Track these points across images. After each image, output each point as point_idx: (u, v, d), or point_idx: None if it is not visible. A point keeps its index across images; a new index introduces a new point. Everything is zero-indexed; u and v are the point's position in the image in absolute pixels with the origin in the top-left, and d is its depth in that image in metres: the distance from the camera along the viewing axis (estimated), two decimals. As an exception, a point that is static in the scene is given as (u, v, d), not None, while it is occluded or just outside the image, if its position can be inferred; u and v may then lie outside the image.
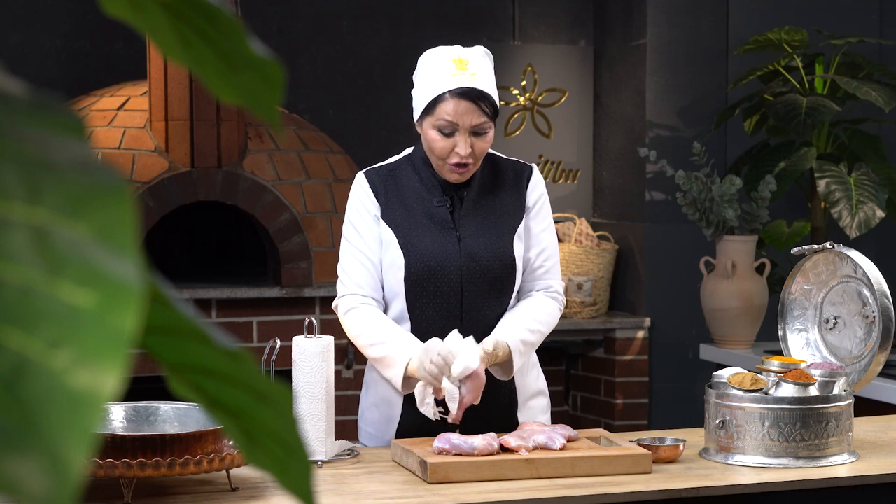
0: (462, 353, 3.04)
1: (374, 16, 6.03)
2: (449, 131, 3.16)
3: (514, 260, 3.24)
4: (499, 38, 6.18)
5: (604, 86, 6.26)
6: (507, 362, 3.17)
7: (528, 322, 3.20)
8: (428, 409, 3.08)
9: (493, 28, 6.18)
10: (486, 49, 3.26)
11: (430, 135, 3.17)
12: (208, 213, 5.50)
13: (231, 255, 5.85)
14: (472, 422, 3.16)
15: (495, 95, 3.21)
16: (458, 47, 3.23)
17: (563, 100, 6.29)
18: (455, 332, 3.09)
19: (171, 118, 5.19)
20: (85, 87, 5.58)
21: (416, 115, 3.22)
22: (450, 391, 3.04)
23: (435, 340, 3.09)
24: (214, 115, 5.22)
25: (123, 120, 5.25)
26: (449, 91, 3.15)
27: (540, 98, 6.25)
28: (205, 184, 5.20)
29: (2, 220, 0.58)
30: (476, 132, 3.16)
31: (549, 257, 3.31)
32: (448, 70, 3.17)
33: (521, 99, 6.23)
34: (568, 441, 3.11)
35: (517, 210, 3.29)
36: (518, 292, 3.29)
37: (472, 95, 3.15)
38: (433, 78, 3.18)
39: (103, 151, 5.15)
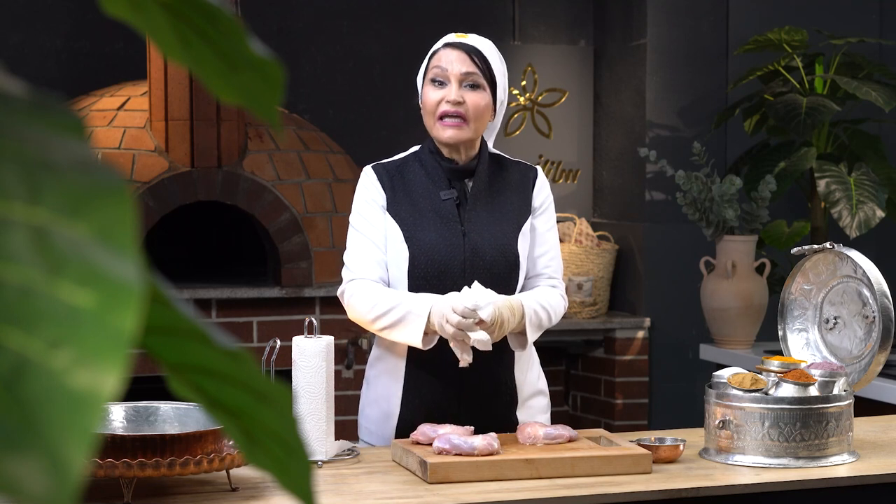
0: (486, 299, 3.05)
1: (374, 16, 6.03)
2: (440, 81, 3.24)
3: (518, 256, 3.25)
4: (499, 38, 6.18)
5: (604, 86, 6.26)
6: (520, 334, 3.18)
7: (540, 300, 3.22)
8: (467, 356, 3.08)
9: (493, 28, 6.18)
10: (491, 42, 3.36)
11: (425, 90, 3.27)
12: (208, 213, 5.50)
13: (231, 255, 5.85)
14: (473, 421, 3.16)
15: (493, 62, 3.28)
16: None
17: (563, 100, 6.29)
18: (476, 283, 3.10)
19: (171, 118, 5.19)
20: (85, 87, 5.58)
21: (419, 94, 3.31)
22: (480, 340, 3.06)
23: (448, 298, 3.09)
24: (214, 115, 5.22)
25: (123, 120, 5.25)
26: (442, 45, 3.28)
27: (540, 98, 6.25)
28: (205, 184, 5.20)
29: (2, 220, 0.58)
30: (467, 84, 3.23)
31: (553, 258, 3.34)
32: (448, 38, 3.31)
33: (521, 99, 6.23)
34: (568, 441, 3.12)
35: (523, 209, 3.30)
36: (521, 291, 3.29)
37: (464, 47, 3.26)
38: (434, 48, 3.31)
39: (103, 151, 5.15)
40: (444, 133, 3.23)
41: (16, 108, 0.63)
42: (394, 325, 3.14)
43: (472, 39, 3.30)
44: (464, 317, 3.05)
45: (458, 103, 3.21)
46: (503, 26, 6.21)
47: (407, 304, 3.13)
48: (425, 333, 3.12)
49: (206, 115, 5.21)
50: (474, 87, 3.23)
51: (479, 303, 3.06)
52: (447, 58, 3.24)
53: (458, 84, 3.23)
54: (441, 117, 3.22)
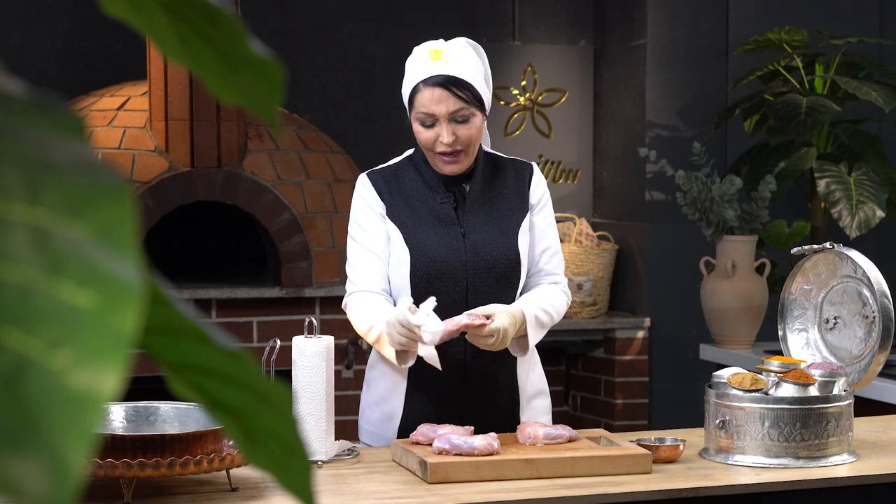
0: (427, 322, 3.02)
1: (374, 16, 6.03)
2: (429, 122, 3.18)
3: (519, 254, 3.25)
4: (499, 38, 6.18)
5: (604, 86, 6.26)
6: (522, 338, 3.18)
7: (541, 302, 3.21)
8: (434, 360, 3.07)
9: (493, 28, 6.18)
10: (469, 40, 3.26)
11: (415, 128, 3.21)
12: (208, 213, 5.50)
13: (231, 255, 5.85)
14: (475, 422, 3.16)
15: (476, 82, 3.20)
16: (439, 40, 3.25)
17: (563, 100, 6.29)
18: (430, 300, 3.07)
19: (171, 118, 5.19)
20: (85, 87, 5.58)
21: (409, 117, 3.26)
22: (429, 356, 3.04)
23: (394, 313, 3.06)
24: (214, 115, 5.22)
25: (123, 120, 5.25)
26: (422, 81, 3.18)
27: (540, 98, 6.25)
28: (205, 184, 5.20)
29: (2, 220, 0.58)
30: (456, 119, 3.17)
31: (554, 254, 3.33)
32: (423, 62, 3.20)
33: (521, 99, 6.23)
34: (568, 441, 3.12)
35: (520, 206, 3.29)
36: (523, 289, 3.29)
37: (444, 83, 3.16)
38: (411, 72, 3.22)
39: (103, 151, 5.15)
40: (444, 168, 3.22)
41: (16, 108, 0.63)
42: (376, 342, 3.16)
43: (449, 59, 3.18)
44: (409, 329, 3.03)
45: (452, 142, 3.17)
46: (503, 26, 6.21)
47: (380, 324, 3.12)
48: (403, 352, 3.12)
49: (206, 115, 5.21)
50: (464, 120, 3.18)
51: (423, 322, 3.03)
52: (430, 99, 3.16)
53: (448, 122, 3.17)
54: (438, 153, 3.20)
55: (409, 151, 3.34)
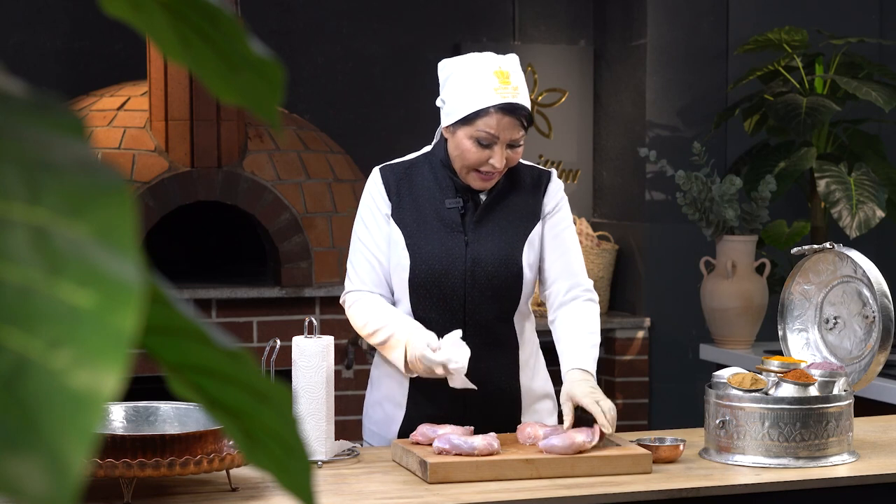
0: (452, 356, 3.05)
1: (374, 16, 6.03)
2: (487, 143, 3.14)
3: (521, 268, 3.21)
4: (499, 38, 6.18)
5: (604, 86, 6.26)
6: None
7: (591, 339, 3.23)
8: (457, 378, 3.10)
9: (493, 28, 6.18)
10: (516, 55, 3.24)
11: (465, 144, 3.15)
12: (208, 213, 5.50)
13: (231, 255, 5.85)
14: (478, 425, 3.16)
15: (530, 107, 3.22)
16: (494, 56, 3.19)
17: (563, 100, 6.29)
18: (454, 333, 3.09)
19: (171, 118, 5.19)
20: (85, 87, 5.58)
21: (447, 121, 3.18)
22: (462, 384, 3.07)
23: (414, 348, 3.09)
24: (214, 115, 5.22)
25: (123, 120, 5.25)
26: (493, 106, 3.12)
27: (540, 98, 6.25)
28: (205, 184, 5.20)
29: (2, 220, 0.58)
30: (512, 145, 3.16)
31: (575, 258, 3.30)
32: (491, 83, 3.13)
33: (521, 99, 6.23)
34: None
35: (531, 216, 3.25)
36: (549, 296, 3.28)
37: (515, 111, 3.14)
38: (475, 89, 3.14)
39: (103, 151, 5.15)
40: (477, 184, 3.19)
41: (16, 108, 0.63)
42: (382, 345, 3.17)
43: (517, 84, 3.15)
44: (433, 367, 3.07)
45: (503, 167, 3.17)
46: (503, 26, 6.21)
47: (390, 328, 3.13)
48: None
49: (206, 115, 5.21)
50: (517, 145, 3.16)
51: (451, 357, 3.05)
52: (499, 125, 3.12)
53: (504, 147, 3.14)
54: (482, 172, 3.17)
55: (427, 148, 3.30)
